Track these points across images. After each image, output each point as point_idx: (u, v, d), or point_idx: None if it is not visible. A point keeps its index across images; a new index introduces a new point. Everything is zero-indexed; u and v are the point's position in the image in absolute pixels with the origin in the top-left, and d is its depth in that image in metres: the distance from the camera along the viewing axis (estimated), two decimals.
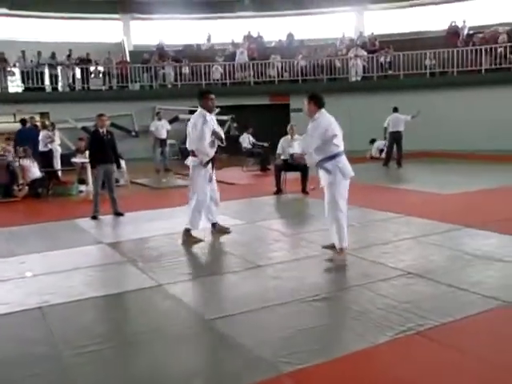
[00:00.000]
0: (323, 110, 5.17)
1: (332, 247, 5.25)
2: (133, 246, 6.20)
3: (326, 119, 5.13)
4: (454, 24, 20.21)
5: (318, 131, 5.05)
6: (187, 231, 6.09)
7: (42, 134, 12.76)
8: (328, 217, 5.13)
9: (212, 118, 6.19)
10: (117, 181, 11.70)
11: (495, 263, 4.91)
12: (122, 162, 11.84)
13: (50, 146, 12.74)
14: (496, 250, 5.35)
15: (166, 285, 4.61)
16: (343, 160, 5.13)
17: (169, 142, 16.00)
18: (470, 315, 3.72)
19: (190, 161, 6.18)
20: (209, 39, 23.23)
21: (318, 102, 5.17)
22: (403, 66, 18.70)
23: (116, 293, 4.49)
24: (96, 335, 3.62)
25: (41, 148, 12.59)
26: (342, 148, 5.15)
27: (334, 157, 5.07)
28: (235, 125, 19.07)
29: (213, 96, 6.16)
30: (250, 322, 3.79)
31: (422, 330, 3.49)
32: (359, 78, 19.55)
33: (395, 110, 13.68)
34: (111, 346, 3.48)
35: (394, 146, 13.54)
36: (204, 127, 5.96)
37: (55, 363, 3.27)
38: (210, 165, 6.14)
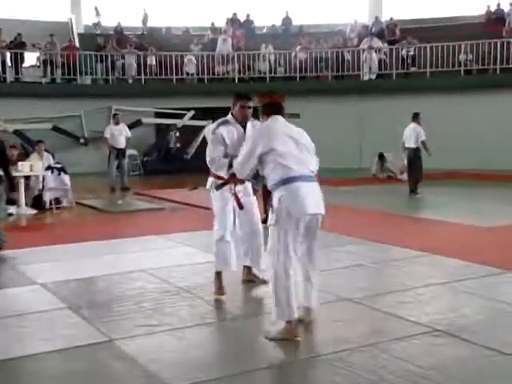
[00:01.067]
0: (276, 117, 4.71)
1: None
2: (76, 288, 6.13)
3: (263, 126, 4.77)
4: (496, 8, 20.49)
5: (246, 142, 4.89)
6: (217, 274, 5.82)
7: None
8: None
9: (238, 130, 5.62)
10: (58, 201, 11.73)
11: None
12: (66, 178, 11.87)
13: None
14: None
15: (118, 340, 4.54)
16: (296, 190, 4.42)
17: (128, 152, 16.00)
18: None
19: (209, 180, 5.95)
20: (145, 21, 23.16)
21: (264, 109, 4.80)
22: (430, 62, 18.96)
23: (52, 350, 4.41)
24: None
25: None
26: (299, 171, 4.47)
27: (280, 184, 4.46)
28: (177, 134, 19.13)
29: (250, 104, 5.63)
30: None
31: None
32: (374, 76, 19.81)
33: (415, 117, 13.40)
34: None
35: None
36: (213, 139, 5.59)
37: None
38: (229, 187, 5.63)
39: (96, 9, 22.72)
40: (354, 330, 4.80)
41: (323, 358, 4.17)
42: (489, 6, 20.58)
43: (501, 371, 3.95)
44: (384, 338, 4.50)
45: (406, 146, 13.32)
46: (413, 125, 13.32)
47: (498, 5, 20.50)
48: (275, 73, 20.34)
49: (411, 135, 13.19)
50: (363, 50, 19.90)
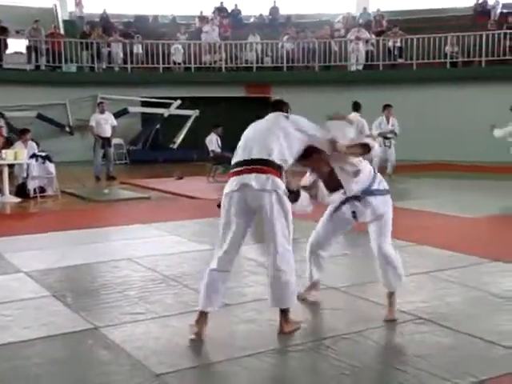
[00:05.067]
0: None
1: None
2: (61, 277, 6.10)
3: None
4: (483, 0, 20.59)
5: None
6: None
7: None
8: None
9: None
10: (43, 190, 11.66)
11: None
12: (51, 166, 11.81)
13: None
14: None
15: (103, 328, 4.54)
16: None
17: (114, 141, 15.94)
18: (498, 375, 3.73)
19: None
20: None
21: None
22: (417, 53, 18.98)
23: (36, 337, 4.39)
24: None
25: None
26: None
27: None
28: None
29: None
30: (213, 377, 3.76)
31: None
32: (361, 67, 19.82)
33: (356, 107, 12.56)
34: None
35: None
36: None
37: None
38: None
39: None
40: (339, 318, 4.83)
41: (309, 346, 4.19)
42: (475, 1, 20.65)
43: (483, 358, 3.99)
44: (369, 325, 4.53)
45: None
46: (354, 115, 11.76)
47: (483, 1, 20.56)
48: (262, 63, 20.28)
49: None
50: (350, 41, 19.89)
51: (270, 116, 4.61)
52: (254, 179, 4.21)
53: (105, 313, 4.94)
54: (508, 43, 18.13)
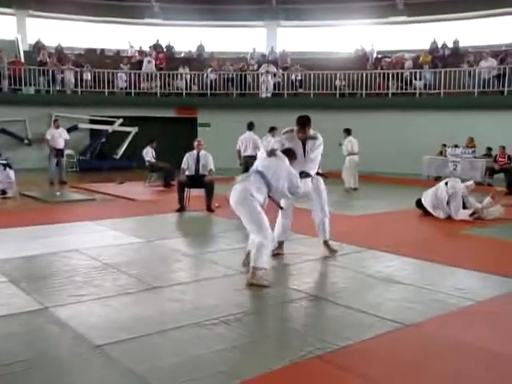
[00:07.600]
0: None
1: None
2: (17, 265, 5.84)
3: None
4: (361, 48, 21.43)
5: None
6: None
7: None
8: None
9: None
10: (4, 192, 11.15)
11: (395, 285, 5.15)
12: (11, 172, 11.31)
13: None
14: (396, 272, 5.61)
15: (52, 308, 4.39)
16: None
17: (66, 152, 15.47)
18: (368, 338, 3.85)
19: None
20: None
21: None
22: (314, 85, 19.37)
23: None
24: None
25: None
26: None
27: None
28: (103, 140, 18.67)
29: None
30: (143, 347, 3.68)
31: (321, 353, 3.56)
32: (270, 95, 19.99)
33: (250, 126, 12.44)
34: None
35: None
36: None
37: None
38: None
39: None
40: (247, 297, 4.85)
41: (222, 320, 4.19)
42: (357, 48, 21.45)
43: (357, 325, 4.10)
44: (271, 302, 4.58)
45: (244, 154, 11.99)
46: (248, 133, 12.25)
47: (363, 48, 21.33)
48: (190, 89, 20.14)
49: (248, 143, 12.02)
50: (261, 74, 20.06)
51: None
52: None
53: (54, 295, 4.77)
54: (381, 80, 18.87)
